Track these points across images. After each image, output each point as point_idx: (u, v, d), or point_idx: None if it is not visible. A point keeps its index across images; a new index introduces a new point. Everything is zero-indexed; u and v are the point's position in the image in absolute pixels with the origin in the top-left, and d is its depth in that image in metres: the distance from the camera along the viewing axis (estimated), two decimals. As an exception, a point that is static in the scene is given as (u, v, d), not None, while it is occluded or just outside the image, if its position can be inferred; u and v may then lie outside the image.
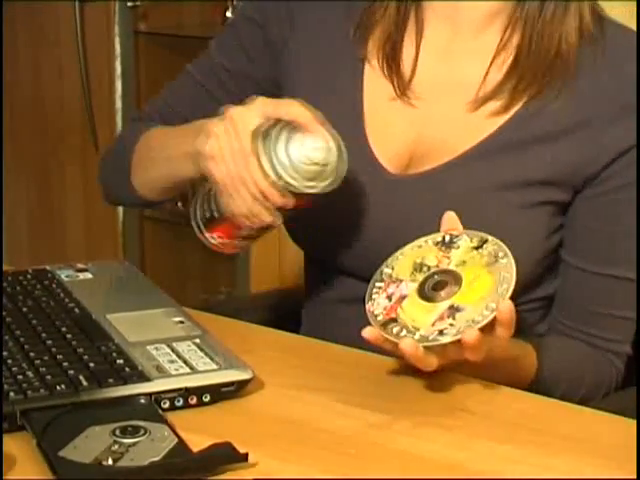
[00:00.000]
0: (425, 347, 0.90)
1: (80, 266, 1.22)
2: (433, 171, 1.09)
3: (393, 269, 0.98)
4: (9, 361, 0.94)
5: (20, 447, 0.82)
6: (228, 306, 1.62)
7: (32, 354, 0.95)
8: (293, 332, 1.14)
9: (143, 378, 0.91)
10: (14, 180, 2.84)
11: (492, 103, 1.08)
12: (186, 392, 0.90)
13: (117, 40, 2.54)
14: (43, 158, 2.74)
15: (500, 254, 0.94)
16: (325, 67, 1.16)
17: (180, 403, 0.90)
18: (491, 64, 1.09)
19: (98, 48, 2.56)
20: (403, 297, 0.95)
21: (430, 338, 0.90)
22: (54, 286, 1.14)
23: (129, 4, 2.53)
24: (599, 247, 1.08)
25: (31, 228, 2.82)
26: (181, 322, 1.05)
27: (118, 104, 2.58)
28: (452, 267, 0.96)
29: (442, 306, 0.93)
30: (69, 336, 1.00)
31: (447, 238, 0.98)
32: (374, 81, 1.13)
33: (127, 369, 0.92)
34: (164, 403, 0.89)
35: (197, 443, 0.80)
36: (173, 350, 0.97)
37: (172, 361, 0.94)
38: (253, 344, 1.05)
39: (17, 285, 1.14)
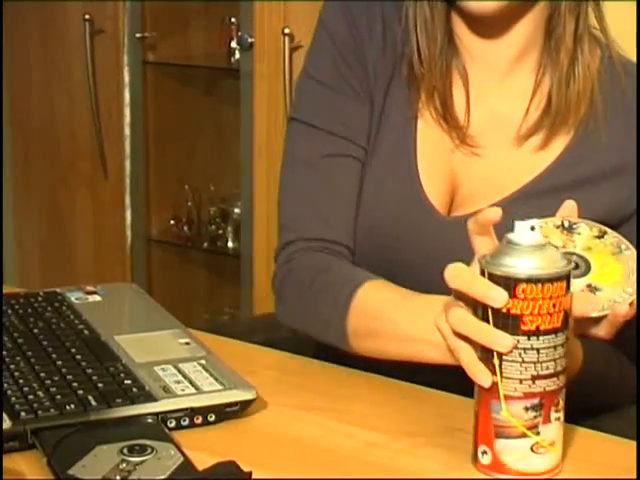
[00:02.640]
0: None
1: (89, 289, 1.21)
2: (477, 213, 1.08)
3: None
4: (20, 381, 0.94)
5: (30, 465, 0.82)
6: (232, 327, 1.61)
7: (43, 374, 0.95)
8: (296, 353, 1.14)
9: (150, 398, 0.91)
10: (26, 205, 2.85)
11: (533, 140, 1.11)
12: (192, 412, 0.90)
13: (126, 70, 2.55)
14: (54, 183, 2.75)
15: (623, 246, 0.93)
16: (384, 116, 1.14)
17: (186, 422, 0.90)
18: (530, 102, 1.11)
19: (108, 78, 2.57)
20: None
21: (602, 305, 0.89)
22: (64, 308, 1.14)
23: (138, 35, 2.54)
24: None
25: (42, 251, 2.83)
26: (187, 343, 1.05)
27: (127, 132, 2.59)
28: (579, 251, 0.94)
29: (579, 283, 0.90)
30: (79, 357, 1.00)
31: (566, 223, 0.95)
32: (426, 132, 1.13)
33: (135, 389, 0.92)
34: (170, 422, 0.89)
35: (202, 461, 0.80)
36: (179, 371, 0.97)
37: (178, 381, 0.94)
38: (256, 365, 1.05)
39: (29, 307, 1.14)
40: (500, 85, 1.14)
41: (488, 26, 1.11)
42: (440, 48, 1.12)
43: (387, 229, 1.11)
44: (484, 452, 0.83)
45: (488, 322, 0.81)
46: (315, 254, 1.11)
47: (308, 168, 1.13)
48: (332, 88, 1.13)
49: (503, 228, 1.04)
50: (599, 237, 0.95)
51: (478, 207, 1.08)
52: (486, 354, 0.82)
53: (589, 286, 0.91)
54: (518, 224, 0.82)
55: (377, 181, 1.13)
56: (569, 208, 0.97)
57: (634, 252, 0.93)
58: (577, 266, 0.92)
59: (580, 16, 1.09)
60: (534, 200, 1.09)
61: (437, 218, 1.11)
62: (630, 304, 0.89)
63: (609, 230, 0.95)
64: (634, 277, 0.91)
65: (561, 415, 0.82)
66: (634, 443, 0.88)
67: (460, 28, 1.13)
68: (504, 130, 1.12)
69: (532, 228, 0.81)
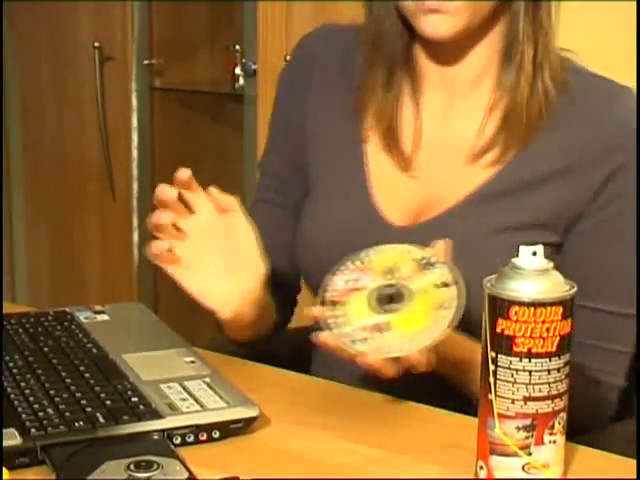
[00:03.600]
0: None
1: (98, 308, 1.22)
2: (433, 220, 1.11)
3: (375, 256, 0.95)
4: (31, 398, 0.94)
5: (40, 480, 0.82)
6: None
7: (52, 392, 0.95)
8: (299, 371, 1.14)
9: (156, 415, 0.91)
10: (36, 226, 2.85)
11: (487, 156, 1.11)
12: (197, 429, 0.90)
13: (134, 95, 2.56)
14: (64, 205, 2.75)
15: (445, 304, 0.90)
16: (330, 143, 1.19)
17: (191, 439, 0.90)
18: (484, 121, 1.11)
19: (116, 103, 2.58)
20: (360, 288, 0.93)
21: (348, 340, 0.89)
22: (73, 327, 1.14)
23: (145, 62, 2.55)
24: (585, 281, 1.07)
25: (52, 271, 2.83)
26: (192, 362, 1.05)
27: (134, 155, 2.60)
28: (412, 289, 0.93)
29: (379, 318, 0.91)
30: (87, 375, 1.00)
31: (431, 259, 0.94)
32: (376, 154, 1.16)
33: (141, 406, 0.92)
34: (176, 439, 0.89)
35: (207, 477, 0.80)
36: (185, 389, 0.97)
37: (184, 399, 0.94)
38: (260, 383, 1.05)
39: (39, 326, 1.14)
40: (456, 105, 1.14)
41: (445, 51, 1.11)
42: (386, 79, 1.14)
43: (343, 243, 1.07)
44: (481, 467, 0.83)
45: (485, 338, 0.82)
46: None
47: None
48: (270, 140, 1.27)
49: (459, 232, 1.06)
50: (440, 286, 0.92)
51: (432, 215, 1.11)
52: (484, 372, 0.82)
53: (384, 324, 0.90)
54: (522, 249, 0.82)
55: (329, 198, 1.17)
56: (443, 246, 0.96)
57: (450, 316, 0.89)
58: (399, 299, 0.92)
59: (539, 42, 1.08)
60: (484, 204, 1.09)
61: (390, 229, 1.11)
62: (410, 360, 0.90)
63: (460, 282, 0.91)
64: (427, 337, 0.89)
65: (557, 438, 0.82)
66: (633, 461, 0.88)
67: (419, 53, 1.14)
68: (458, 148, 1.12)
69: (534, 253, 0.82)
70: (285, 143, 1.24)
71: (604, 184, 1.07)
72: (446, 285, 0.92)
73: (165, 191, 1.01)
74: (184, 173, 1.03)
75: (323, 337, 0.91)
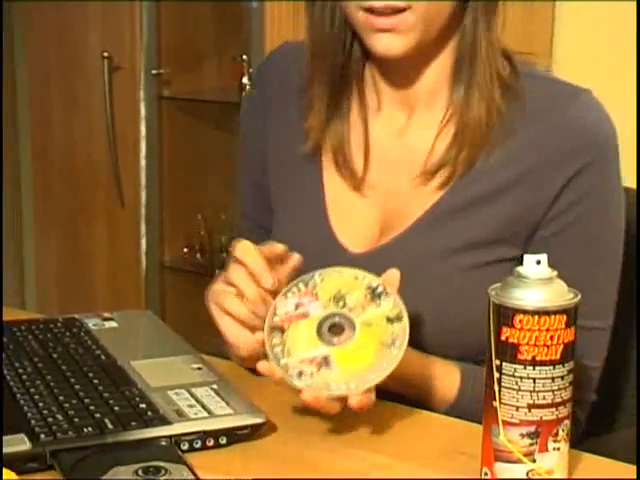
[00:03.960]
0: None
1: (106, 315, 1.22)
2: (388, 243, 1.09)
3: (322, 281, 0.93)
4: (40, 404, 0.94)
5: (49, 485, 0.83)
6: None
7: (61, 398, 0.96)
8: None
9: (164, 421, 0.91)
10: (45, 233, 2.85)
11: (439, 173, 1.08)
12: (204, 435, 0.90)
13: (142, 104, 2.56)
14: (72, 213, 2.76)
15: (397, 342, 0.90)
16: (289, 166, 1.18)
17: (198, 445, 0.90)
18: (436, 138, 1.08)
19: (125, 112, 2.58)
20: (306, 315, 0.92)
21: (288, 372, 0.89)
22: (82, 334, 1.15)
23: (153, 72, 2.55)
24: None
25: (60, 278, 2.83)
26: (199, 369, 1.05)
27: (142, 163, 2.60)
28: (358, 321, 0.91)
29: (322, 350, 0.90)
30: (96, 381, 1.00)
31: (379, 289, 0.92)
32: (332, 178, 1.14)
33: (149, 413, 0.93)
34: (183, 445, 0.90)
35: (214, 483, 0.81)
36: (192, 395, 0.97)
37: (191, 405, 0.95)
38: (266, 390, 1.05)
39: (48, 333, 1.15)
40: (413, 121, 1.12)
41: (397, 67, 1.09)
42: (330, 97, 1.11)
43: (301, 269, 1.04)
44: (486, 473, 0.83)
45: (490, 346, 0.82)
46: None
47: None
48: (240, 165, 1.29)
49: (408, 258, 1.05)
50: (389, 320, 0.91)
51: (388, 238, 1.09)
52: (488, 380, 0.83)
53: (326, 358, 0.89)
54: (527, 258, 0.82)
55: (288, 223, 1.16)
56: (392, 277, 0.94)
57: (399, 355, 0.89)
58: (345, 329, 0.91)
59: (489, 58, 1.05)
60: (436, 224, 1.07)
61: (346, 255, 1.09)
62: (351, 400, 0.88)
63: (405, 319, 0.90)
64: (372, 376, 0.88)
65: (561, 445, 0.82)
66: (633, 467, 0.88)
67: (372, 69, 1.12)
68: (413, 166, 1.10)
69: (538, 262, 0.82)
70: (252, 168, 1.24)
71: (562, 189, 1.04)
72: (393, 319, 0.90)
73: (268, 281, 0.95)
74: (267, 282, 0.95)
75: (266, 367, 0.91)
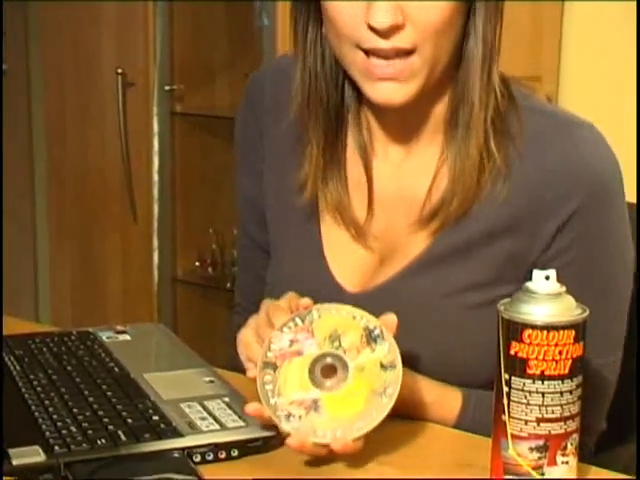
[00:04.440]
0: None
1: (120, 328, 1.22)
2: (382, 284, 1.05)
3: (320, 317, 0.91)
4: (54, 416, 0.94)
5: (63, 497, 0.82)
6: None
7: (75, 410, 0.96)
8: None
9: (177, 434, 0.91)
10: (59, 247, 2.86)
11: (433, 223, 1.03)
12: (216, 447, 0.90)
13: (155, 120, 2.57)
14: (86, 226, 2.76)
15: (389, 390, 0.88)
16: (284, 199, 1.13)
17: (210, 457, 0.90)
18: (432, 183, 1.03)
19: (138, 127, 2.59)
20: (300, 353, 0.90)
21: (277, 413, 0.88)
22: (96, 347, 1.15)
23: (166, 88, 2.57)
24: None
25: (74, 291, 2.84)
26: (211, 381, 1.05)
27: (155, 178, 2.61)
28: (352, 365, 0.89)
29: (312, 393, 0.88)
30: (109, 393, 1.00)
31: (376, 332, 0.90)
32: (328, 222, 1.10)
33: (162, 425, 0.92)
34: (196, 457, 0.89)
35: (226, 495, 0.80)
36: (204, 408, 0.97)
37: (203, 418, 0.95)
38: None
39: (62, 345, 1.15)
40: (408, 164, 1.07)
41: (393, 113, 1.03)
42: (326, 147, 1.06)
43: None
44: None
45: (499, 360, 0.82)
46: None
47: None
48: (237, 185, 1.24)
49: (405, 298, 1.02)
50: (382, 367, 0.89)
51: (383, 280, 1.05)
52: (497, 395, 0.82)
53: (315, 402, 0.88)
54: (535, 273, 0.82)
55: (285, 260, 1.13)
56: (389, 321, 0.91)
57: (390, 404, 0.87)
58: (338, 372, 0.89)
59: (489, 108, 1.00)
60: (432, 266, 1.03)
61: (342, 294, 1.06)
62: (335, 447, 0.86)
63: (398, 367, 0.88)
64: (359, 425, 0.87)
65: (570, 459, 0.82)
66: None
67: (368, 115, 1.07)
68: (410, 209, 1.05)
69: (547, 278, 0.81)
70: (249, 188, 1.19)
71: (557, 232, 1.00)
72: (387, 366, 0.89)
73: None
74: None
75: (254, 409, 0.89)
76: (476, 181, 1.01)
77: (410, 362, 1.00)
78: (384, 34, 0.94)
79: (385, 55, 0.95)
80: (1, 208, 2.89)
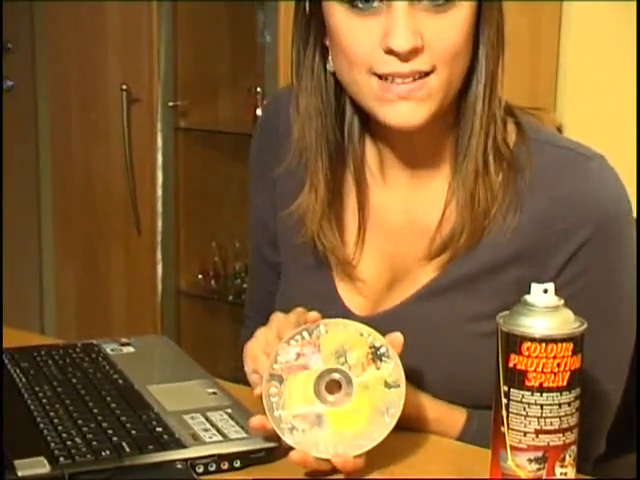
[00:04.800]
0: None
1: (124, 340, 1.22)
2: (391, 310, 1.05)
3: (327, 332, 0.91)
4: (59, 427, 0.94)
5: (68, 508, 0.82)
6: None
7: (80, 421, 0.96)
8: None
9: (180, 445, 0.91)
10: (65, 260, 2.86)
11: (444, 256, 1.02)
12: (218, 458, 0.90)
13: (159, 135, 2.58)
14: (91, 240, 2.77)
15: (392, 410, 0.88)
16: (295, 221, 1.10)
17: (213, 468, 0.90)
18: (443, 214, 1.02)
19: (142, 142, 2.59)
20: (306, 367, 0.90)
21: (280, 426, 0.88)
22: (100, 359, 1.15)
23: (170, 104, 2.57)
24: None
25: (79, 304, 2.84)
26: (214, 393, 1.05)
27: (159, 192, 2.61)
28: (356, 382, 0.89)
29: (316, 408, 0.89)
30: (113, 405, 1.00)
31: (382, 350, 0.90)
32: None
33: (165, 436, 0.92)
34: (199, 468, 0.89)
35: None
36: (207, 419, 0.97)
37: (206, 429, 0.95)
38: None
39: (67, 357, 1.15)
40: (419, 191, 1.05)
41: (402, 138, 1.01)
42: (328, 175, 1.04)
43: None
44: None
45: (498, 373, 0.81)
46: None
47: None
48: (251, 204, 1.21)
49: (413, 324, 1.01)
50: (386, 385, 0.89)
51: (390, 306, 1.05)
52: (496, 406, 0.82)
53: (319, 417, 0.88)
54: (534, 286, 0.82)
55: (295, 282, 1.13)
56: (396, 340, 0.91)
57: (391, 424, 0.87)
58: (343, 388, 0.89)
59: (489, 136, 0.98)
60: (440, 295, 1.03)
61: (352, 318, 1.02)
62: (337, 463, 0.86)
63: (402, 386, 0.88)
64: (363, 444, 0.87)
65: (568, 470, 0.81)
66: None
67: (376, 143, 1.05)
68: (420, 237, 1.04)
69: (545, 291, 0.81)
70: (262, 210, 1.18)
71: (565, 264, 0.99)
72: (391, 385, 0.89)
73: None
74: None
75: (258, 422, 0.89)
76: (484, 213, 1.00)
77: (416, 385, 1.00)
78: (404, 57, 0.93)
79: (401, 80, 0.94)
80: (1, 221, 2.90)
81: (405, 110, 0.95)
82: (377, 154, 1.06)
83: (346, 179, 1.08)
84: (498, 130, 0.99)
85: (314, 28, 1.00)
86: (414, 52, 0.93)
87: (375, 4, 0.93)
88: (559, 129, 1.03)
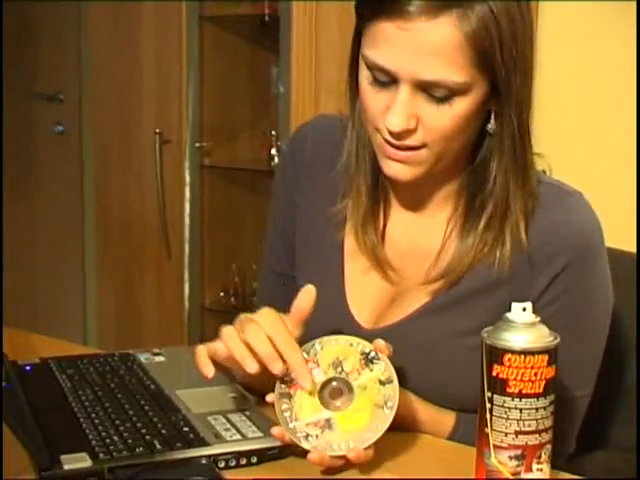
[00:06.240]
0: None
1: (156, 351, 1.22)
2: (393, 325, 1.04)
3: (322, 349, 0.91)
4: (99, 427, 0.94)
5: (106, 498, 0.82)
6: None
7: (117, 422, 0.96)
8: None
9: (204, 443, 0.91)
10: (104, 282, 2.87)
11: (441, 282, 1.02)
12: (238, 455, 0.90)
13: (187, 172, 2.59)
14: (127, 265, 2.77)
15: (389, 403, 0.87)
16: (313, 241, 1.11)
17: (233, 463, 0.90)
18: (442, 245, 1.02)
19: (172, 178, 2.60)
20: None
21: (296, 435, 0.87)
22: (135, 367, 1.14)
23: (197, 144, 2.58)
24: None
25: (117, 319, 2.83)
26: (235, 397, 1.04)
27: (187, 221, 2.61)
28: (355, 385, 0.89)
29: (324, 414, 0.88)
30: (146, 407, 1.00)
31: (372, 354, 0.90)
32: (352, 255, 1.08)
33: (191, 435, 0.92)
34: (220, 463, 0.89)
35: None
36: (228, 420, 0.96)
37: (227, 429, 0.94)
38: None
39: (106, 365, 1.14)
40: (421, 220, 1.06)
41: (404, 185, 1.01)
42: (369, 190, 1.04)
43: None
44: None
45: (483, 380, 0.81)
46: None
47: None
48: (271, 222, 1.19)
49: (412, 338, 1.01)
50: (382, 382, 0.89)
51: (392, 321, 1.04)
52: (481, 410, 0.82)
53: (328, 421, 0.88)
54: (514, 305, 0.81)
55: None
56: (379, 344, 0.90)
57: (391, 415, 0.87)
58: (344, 393, 0.89)
59: (517, 209, 0.98)
60: (440, 311, 1.02)
61: (359, 331, 1.03)
62: (349, 456, 0.86)
63: (394, 381, 0.88)
64: (367, 435, 0.86)
65: (544, 467, 0.81)
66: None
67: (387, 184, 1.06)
68: (420, 261, 1.03)
69: (524, 309, 0.81)
70: (282, 228, 1.17)
71: (547, 286, 0.99)
72: (385, 382, 0.89)
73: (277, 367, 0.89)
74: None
75: (278, 432, 0.89)
76: (480, 250, 1.00)
77: (412, 391, 1.00)
78: (396, 136, 0.94)
79: (396, 146, 0.95)
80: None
81: (397, 168, 0.97)
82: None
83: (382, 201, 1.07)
84: (512, 191, 0.98)
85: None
86: (406, 132, 0.93)
87: (388, 82, 0.93)
88: (544, 172, 1.01)
